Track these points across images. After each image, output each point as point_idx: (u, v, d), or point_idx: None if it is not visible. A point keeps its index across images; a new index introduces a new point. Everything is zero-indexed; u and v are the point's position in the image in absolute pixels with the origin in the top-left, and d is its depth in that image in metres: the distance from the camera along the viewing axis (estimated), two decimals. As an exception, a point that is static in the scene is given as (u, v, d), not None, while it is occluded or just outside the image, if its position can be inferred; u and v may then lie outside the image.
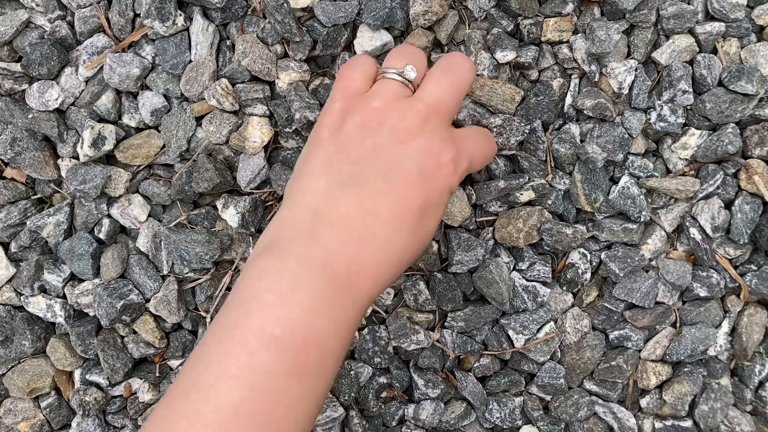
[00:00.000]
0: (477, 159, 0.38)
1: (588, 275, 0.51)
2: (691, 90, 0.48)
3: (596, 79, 0.49)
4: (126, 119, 0.50)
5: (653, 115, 0.49)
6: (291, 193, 0.34)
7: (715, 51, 0.49)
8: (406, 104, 0.35)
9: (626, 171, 0.50)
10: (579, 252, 0.51)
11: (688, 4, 0.48)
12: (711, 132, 0.49)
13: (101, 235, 0.50)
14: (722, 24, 0.48)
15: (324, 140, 0.35)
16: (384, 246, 0.32)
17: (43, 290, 0.51)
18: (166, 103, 0.49)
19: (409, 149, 0.33)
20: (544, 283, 0.51)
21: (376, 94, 0.36)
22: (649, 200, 0.50)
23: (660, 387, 0.53)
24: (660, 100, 0.48)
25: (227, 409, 0.26)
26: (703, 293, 0.51)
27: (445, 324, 0.51)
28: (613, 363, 0.51)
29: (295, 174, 0.35)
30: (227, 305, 0.30)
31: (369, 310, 0.52)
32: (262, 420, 0.27)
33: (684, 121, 0.49)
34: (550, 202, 0.50)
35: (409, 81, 0.37)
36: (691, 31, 0.48)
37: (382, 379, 0.52)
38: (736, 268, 0.51)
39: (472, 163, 0.37)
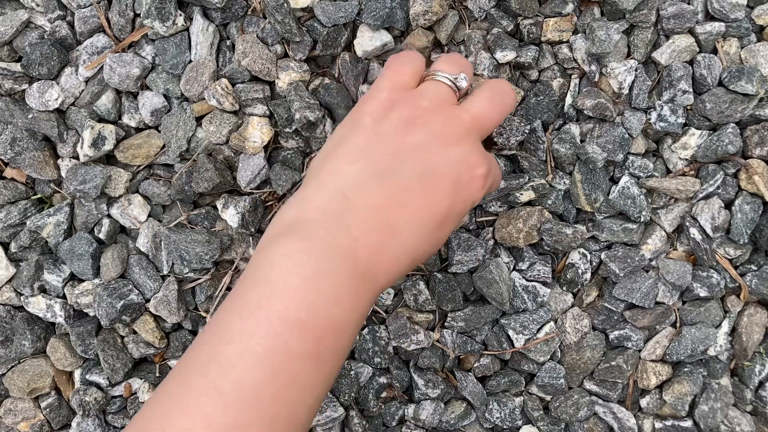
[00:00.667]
0: (496, 182, 0.38)
1: (588, 275, 0.51)
2: (691, 90, 0.48)
3: (596, 79, 0.49)
4: (126, 119, 0.50)
5: (653, 115, 0.49)
6: (320, 172, 0.34)
7: (715, 51, 0.49)
8: (453, 111, 0.35)
9: (626, 171, 0.50)
10: (579, 252, 0.51)
11: (688, 4, 0.48)
12: (711, 132, 0.49)
13: (101, 235, 0.50)
14: (722, 24, 0.48)
15: (364, 126, 0.34)
16: (404, 244, 0.32)
17: (43, 290, 0.51)
18: (166, 103, 0.49)
19: (449, 155, 0.33)
20: (544, 283, 0.51)
21: (426, 92, 0.36)
22: (649, 200, 0.50)
23: (660, 387, 0.53)
24: (660, 100, 0.48)
25: (248, 389, 0.26)
26: (703, 293, 0.51)
27: (445, 324, 0.51)
28: (613, 363, 0.51)
29: (325, 153, 0.35)
30: (247, 281, 0.30)
31: (369, 310, 0.52)
32: (280, 401, 0.27)
33: (684, 121, 0.49)
34: (550, 202, 0.50)
35: (458, 89, 0.37)
36: (691, 31, 0.48)
37: (382, 379, 0.52)
38: (736, 268, 0.51)
39: (493, 183, 0.37)
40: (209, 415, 0.26)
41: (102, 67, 0.48)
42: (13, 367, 0.52)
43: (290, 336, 0.28)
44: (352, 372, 0.52)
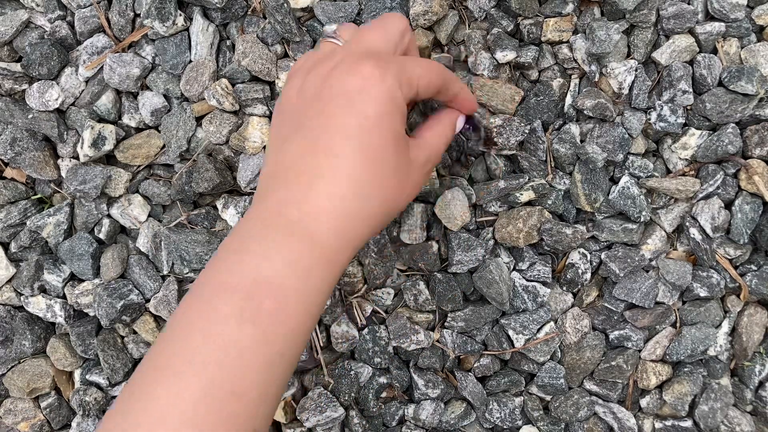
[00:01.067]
0: (418, 73, 0.34)
1: (588, 275, 0.51)
2: (691, 90, 0.48)
3: (596, 79, 0.49)
4: (126, 119, 0.50)
5: (653, 115, 0.49)
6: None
7: (715, 51, 0.49)
8: (330, 53, 0.35)
9: (626, 171, 0.50)
10: (579, 252, 0.51)
11: (688, 4, 0.48)
12: (711, 132, 0.49)
13: (101, 235, 0.50)
14: (722, 24, 0.48)
15: (274, 118, 0.36)
16: (332, 178, 0.31)
17: (43, 290, 0.51)
18: (166, 103, 0.49)
19: (330, 81, 0.33)
20: (544, 283, 0.51)
21: (307, 58, 0.37)
22: (649, 200, 0.50)
23: (660, 387, 0.53)
24: (660, 100, 0.48)
25: (186, 353, 0.28)
26: (703, 293, 0.51)
27: (445, 324, 0.51)
28: (613, 363, 0.51)
29: None
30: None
31: (369, 310, 0.52)
32: (219, 366, 0.27)
33: (684, 121, 0.49)
34: (550, 202, 0.50)
35: (334, 39, 0.37)
36: (691, 31, 0.48)
37: (382, 379, 0.52)
38: (736, 268, 0.51)
39: (411, 74, 0.34)
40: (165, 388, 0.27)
41: (102, 67, 0.48)
42: (13, 367, 0.52)
43: (218, 300, 0.28)
44: (352, 372, 0.52)
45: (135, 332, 0.51)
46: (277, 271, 0.29)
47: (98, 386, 0.52)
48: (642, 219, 0.49)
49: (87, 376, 0.52)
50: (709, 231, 0.50)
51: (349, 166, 0.31)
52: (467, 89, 0.40)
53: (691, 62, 0.48)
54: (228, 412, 0.27)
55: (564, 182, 0.50)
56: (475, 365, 0.52)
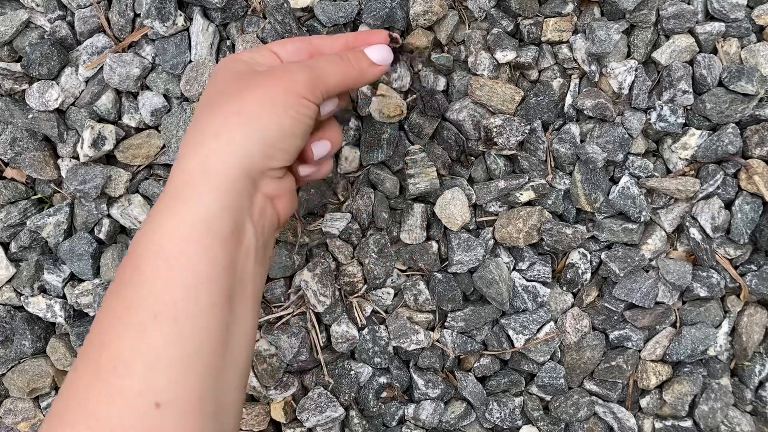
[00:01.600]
0: (270, 42, 0.40)
1: (588, 275, 0.51)
2: (691, 90, 0.48)
3: (596, 79, 0.49)
4: (126, 119, 0.50)
5: (653, 115, 0.49)
6: None
7: (715, 51, 0.49)
8: None
9: (626, 171, 0.50)
10: (579, 252, 0.51)
11: (688, 4, 0.48)
12: (711, 132, 0.49)
13: (101, 235, 0.50)
14: (722, 24, 0.48)
15: None
16: (193, 125, 0.32)
17: (43, 290, 0.51)
18: (166, 103, 0.49)
19: None
20: (544, 283, 0.51)
21: None
22: (649, 200, 0.50)
23: (660, 387, 0.53)
24: (660, 100, 0.48)
25: (95, 322, 0.29)
26: (703, 293, 0.51)
27: (445, 324, 0.51)
28: (613, 363, 0.51)
29: None
30: None
31: (369, 310, 0.52)
32: (94, 343, 0.28)
33: (684, 121, 0.49)
34: (550, 202, 0.50)
35: None
36: (691, 31, 0.48)
37: (382, 379, 0.52)
38: (736, 268, 0.51)
39: (260, 47, 0.38)
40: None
41: (102, 67, 0.48)
42: (13, 367, 0.52)
43: (120, 266, 0.30)
44: (352, 372, 0.52)
45: (135, 332, 0.51)
46: (142, 237, 0.29)
47: (98, 386, 0.52)
48: (642, 219, 0.49)
49: (87, 376, 0.52)
50: (709, 231, 0.50)
51: (199, 108, 0.34)
52: (349, 34, 0.40)
53: (691, 62, 0.48)
54: (101, 386, 0.27)
55: (564, 182, 0.50)
56: (475, 365, 0.52)
